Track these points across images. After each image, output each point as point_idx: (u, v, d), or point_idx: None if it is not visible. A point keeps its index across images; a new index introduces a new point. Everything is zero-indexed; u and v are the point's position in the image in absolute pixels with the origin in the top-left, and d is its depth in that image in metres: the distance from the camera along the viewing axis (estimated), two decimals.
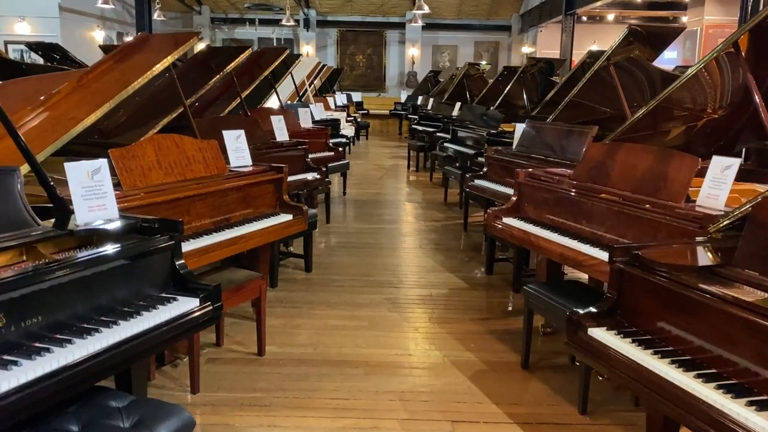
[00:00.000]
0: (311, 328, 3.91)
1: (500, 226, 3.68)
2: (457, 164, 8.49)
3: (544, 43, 18.06)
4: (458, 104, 10.57)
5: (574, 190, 3.33)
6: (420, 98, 15.53)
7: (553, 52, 15.50)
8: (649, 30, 4.60)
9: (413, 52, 20.97)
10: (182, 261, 2.30)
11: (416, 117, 12.91)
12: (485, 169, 5.35)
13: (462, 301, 4.50)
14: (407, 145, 12.28)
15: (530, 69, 8.16)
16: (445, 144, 8.46)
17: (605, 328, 2.09)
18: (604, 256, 2.85)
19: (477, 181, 5.26)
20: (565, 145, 4.58)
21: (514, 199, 3.79)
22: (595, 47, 17.45)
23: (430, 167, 10.55)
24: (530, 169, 3.81)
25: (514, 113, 8.32)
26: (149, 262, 2.20)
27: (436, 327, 3.97)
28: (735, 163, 2.58)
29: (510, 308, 4.42)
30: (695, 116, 4.05)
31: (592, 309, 2.17)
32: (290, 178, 4.57)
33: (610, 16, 17.17)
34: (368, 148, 15.27)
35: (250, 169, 3.77)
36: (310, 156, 6.03)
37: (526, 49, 19.61)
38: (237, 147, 3.84)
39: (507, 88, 8.08)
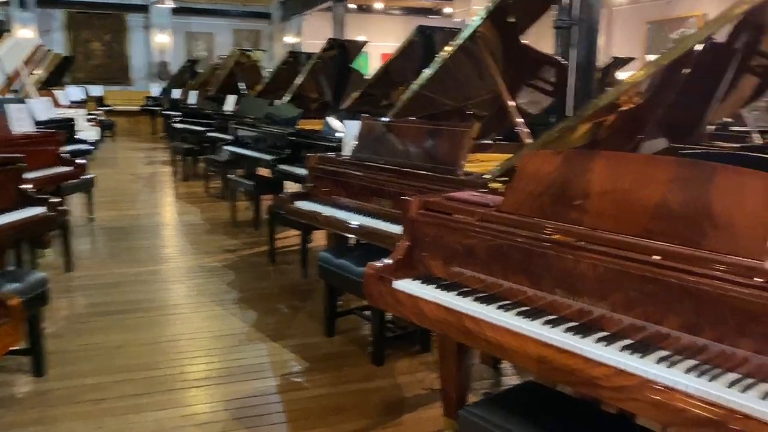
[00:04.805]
0: None
1: (394, 298, 2.17)
2: (245, 172, 6.80)
3: (310, 32, 16.86)
4: (231, 98, 8.82)
5: (528, 235, 1.95)
6: (178, 92, 13.24)
7: (322, 43, 14.33)
8: None
9: (162, 39, 18.30)
10: None
11: (177, 113, 10.75)
12: (310, 186, 3.80)
13: (312, 399, 2.90)
14: (169, 148, 10.12)
15: (325, 54, 6.74)
16: (226, 147, 6.70)
17: None
18: (650, 369, 1.51)
19: (300, 203, 3.67)
20: (432, 150, 3.23)
21: (405, 245, 2.31)
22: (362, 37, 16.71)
23: (204, 175, 8.60)
24: (426, 197, 2.35)
25: (306, 107, 6.89)
26: None
27: None
28: None
29: (376, 398, 2.94)
30: (608, 107, 2.98)
31: None
32: None
33: (378, 5, 16.57)
34: (117, 153, 12.60)
35: None
36: (32, 175, 3.94)
37: (290, 39, 18.25)
38: None
39: (302, 78, 6.57)
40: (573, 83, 5.28)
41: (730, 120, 5.88)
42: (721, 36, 2.95)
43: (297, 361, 3.27)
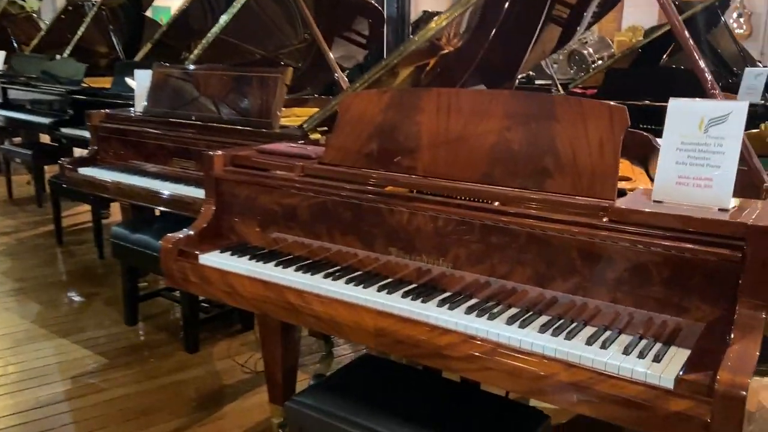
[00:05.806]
0: None
1: (199, 276, 1.78)
2: (23, 140, 5.80)
3: None
4: (1, 54, 7.50)
5: (356, 189, 1.66)
6: None
7: None
8: None
9: None
10: None
11: None
12: (94, 149, 3.20)
13: (112, 401, 2.41)
14: None
15: (112, 2, 5.88)
16: None
17: None
18: (503, 333, 1.31)
19: (86, 171, 3.08)
20: (242, 101, 2.82)
21: (210, 210, 1.91)
22: None
23: None
24: (233, 150, 1.97)
25: (94, 63, 6.01)
26: None
27: None
28: (737, 108, 1.31)
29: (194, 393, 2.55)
30: (430, 49, 2.81)
31: None
32: None
33: None
34: None
35: None
36: None
37: None
38: None
39: (83, 29, 5.67)
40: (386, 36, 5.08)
41: (533, 74, 6.13)
42: None
43: (92, 359, 2.74)
